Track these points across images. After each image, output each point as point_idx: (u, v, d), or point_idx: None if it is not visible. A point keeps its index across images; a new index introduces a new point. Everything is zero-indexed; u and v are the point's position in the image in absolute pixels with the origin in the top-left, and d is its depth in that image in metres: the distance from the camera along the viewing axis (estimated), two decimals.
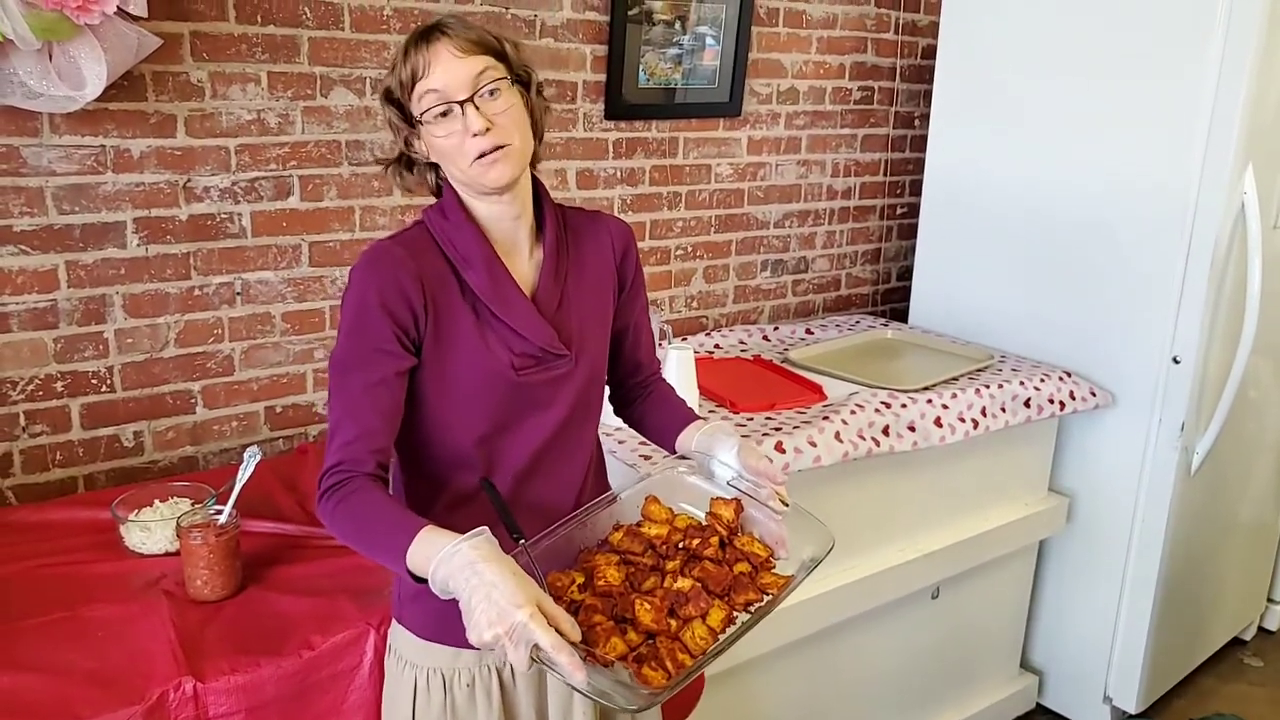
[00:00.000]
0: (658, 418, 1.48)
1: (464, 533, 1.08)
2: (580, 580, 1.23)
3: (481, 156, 1.17)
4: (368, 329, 1.19)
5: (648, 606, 1.17)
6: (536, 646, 1.00)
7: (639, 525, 1.33)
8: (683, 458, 1.43)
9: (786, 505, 1.33)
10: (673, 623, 1.18)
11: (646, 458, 1.88)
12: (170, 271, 2.03)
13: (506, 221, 1.28)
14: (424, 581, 1.09)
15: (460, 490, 1.33)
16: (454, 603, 1.12)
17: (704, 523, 1.35)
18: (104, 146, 1.88)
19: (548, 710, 1.42)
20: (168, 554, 1.68)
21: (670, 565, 1.27)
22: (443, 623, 1.34)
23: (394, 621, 1.42)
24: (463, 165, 1.19)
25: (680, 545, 1.31)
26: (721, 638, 1.17)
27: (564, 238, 1.33)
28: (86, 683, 1.32)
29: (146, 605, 1.53)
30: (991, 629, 2.58)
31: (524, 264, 1.31)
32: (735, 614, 1.22)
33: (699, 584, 1.23)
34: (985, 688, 2.61)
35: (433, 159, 1.24)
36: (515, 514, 1.26)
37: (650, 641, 1.15)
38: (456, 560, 1.04)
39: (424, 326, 1.22)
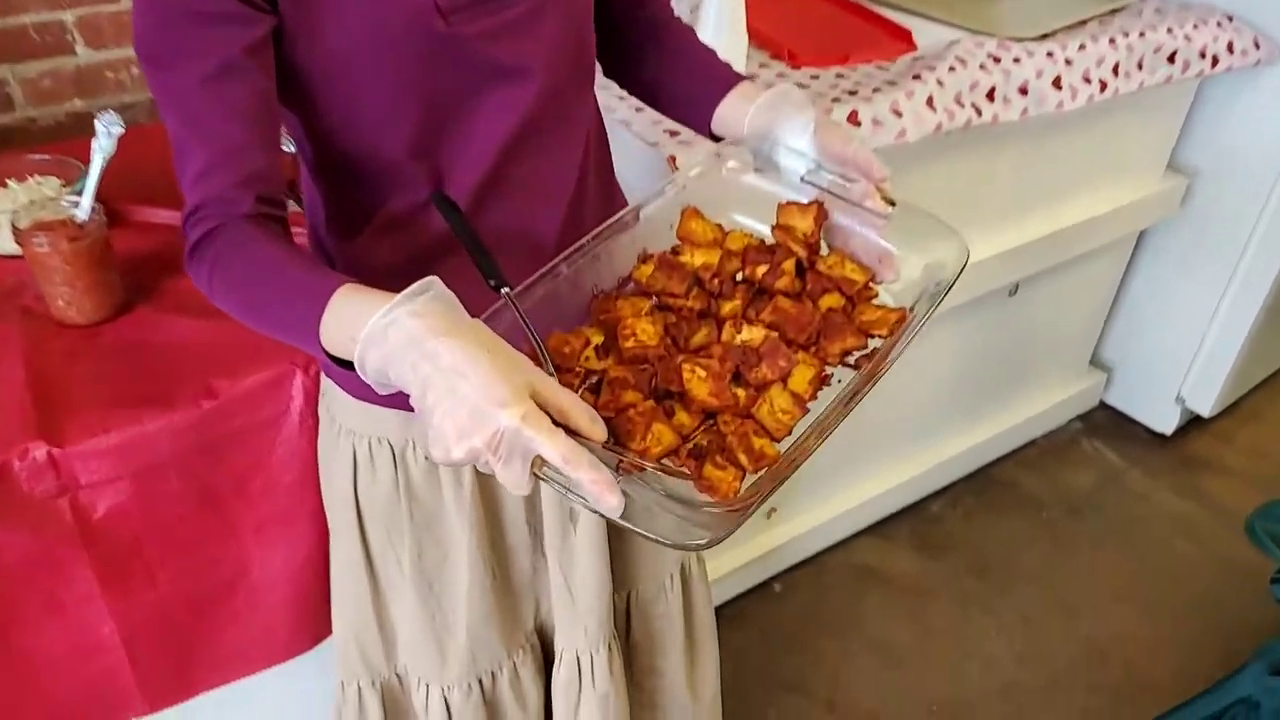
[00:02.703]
0: (681, 81, 1.07)
1: (406, 286, 0.70)
2: (598, 340, 0.87)
3: None
4: None
5: (702, 372, 0.82)
6: (539, 459, 0.67)
7: (675, 252, 0.95)
8: (725, 142, 1.03)
9: (892, 205, 0.94)
10: (740, 393, 0.83)
11: (674, 134, 1.46)
12: None
13: None
14: (353, 368, 0.73)
15: (398, 213, 0.94)
16: None
17: (770, 241, 0.97)
18: None
19: (540, 498, 1.12)
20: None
21: (727, 307, 0.91)
22: None
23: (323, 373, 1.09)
24: None
25: (740, 277, 0.94)
26: (817, 412, 0.83)
27: None
28: None
29: None
30: (1068, 326, 2.41)
31: None
32: (829, 371, 0.87)
33: (773, 332, 0.87)
34: (1049, 385, 2.48)
35: None
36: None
37: (711, 424, 0.81)
38: (395, 336, 0.68)
39: None
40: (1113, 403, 2.63)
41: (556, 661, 1.28)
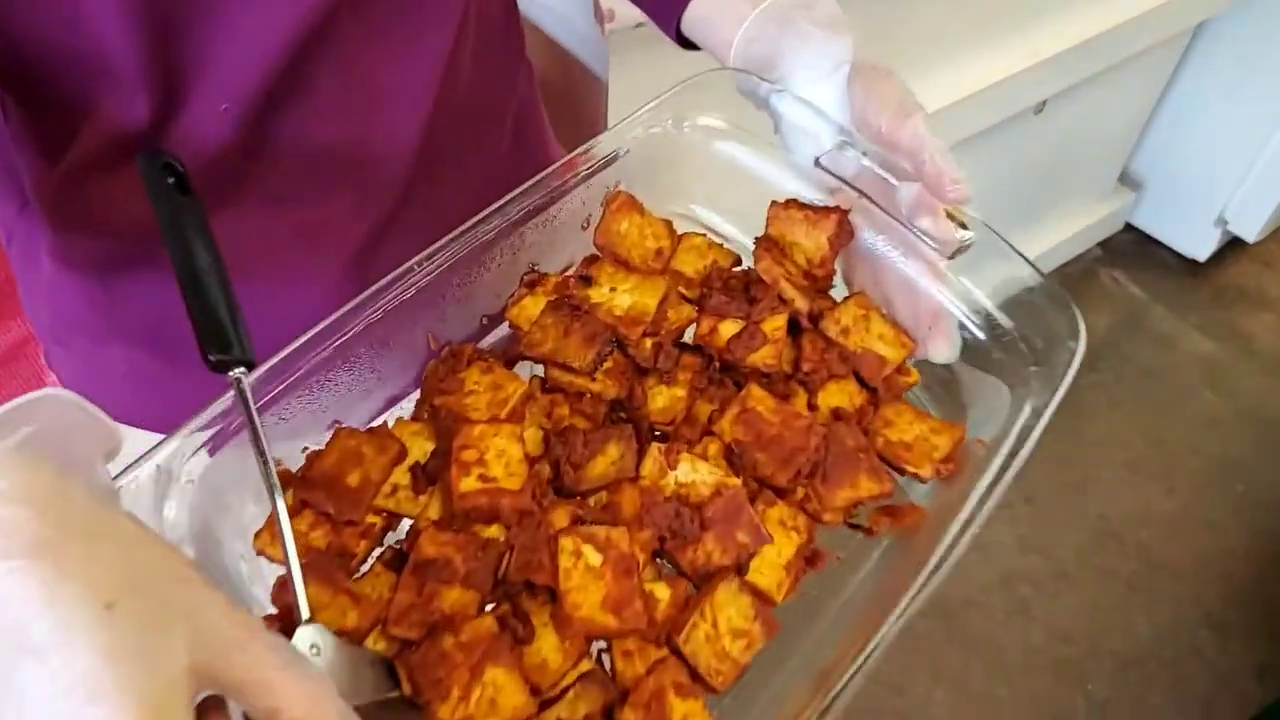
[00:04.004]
0: None
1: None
2: (420, 453, 0.51)
3: None
4: None
5: (595, 557, 0.47)
6: None
7: (585, 279, 0.56)
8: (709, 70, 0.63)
9: (964, 228, 0.55)
10: (659, 593, 0.47)
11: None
12: None
13: None
14: None
15: (112, 141, 0.54)
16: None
17: (747, 265, 0.59)
18: None
19: None
20: None
21: (661, 400, 0.54)
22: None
23: None
24: None
25: (684, 342, 0.56)
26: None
27: None
28: None
29: None
30: (1098, 142, 2.05)
31: None
32: (815, 543, 0.52)
33: (731, 479, 0.50)
34: (1070, 211, 2.15)
35: None
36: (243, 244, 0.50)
37: (594, 668, 0.46)
38: None
39: None
40: (1140, 225, 2.28)
41: None
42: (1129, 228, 2.28)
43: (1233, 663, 1.56)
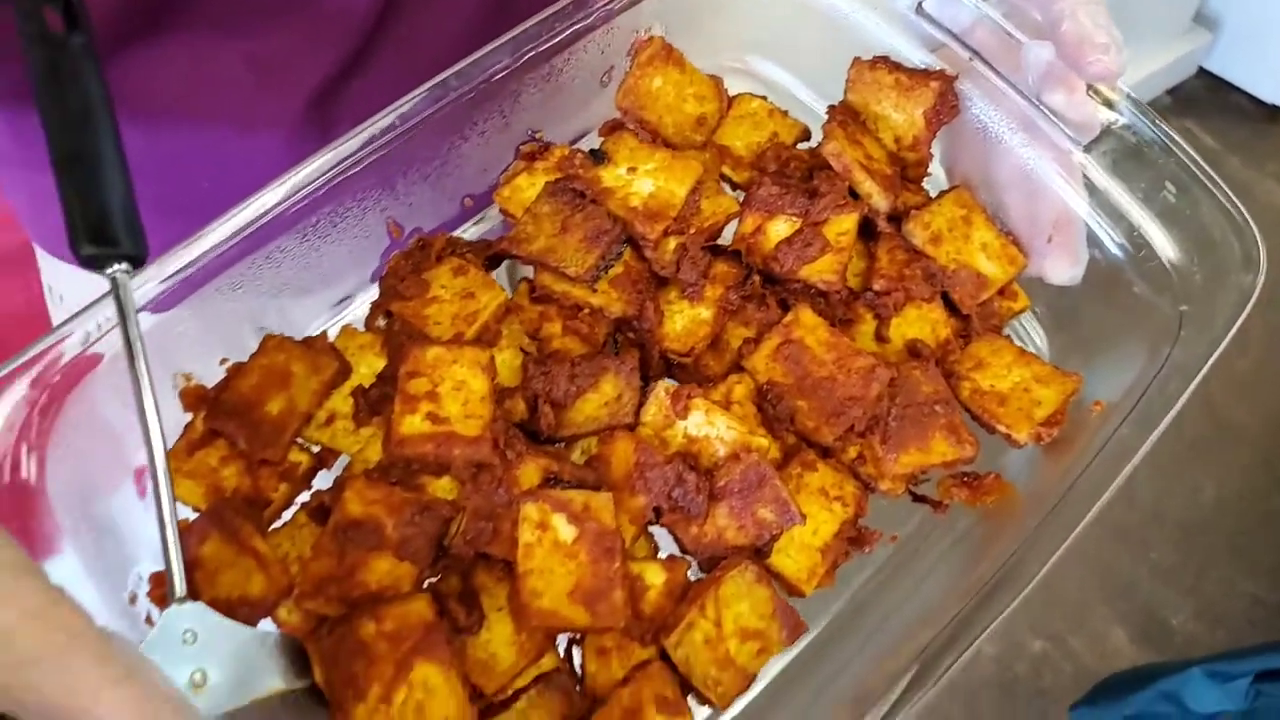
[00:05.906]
0: None
1: None
2: (367, 373, 0.41)
3: None
4: None
5: (568, 530, 0.38)
6: None
7: (600, 150, 0.43)
8: None
9: (1110, 106, 0.41)
10: (651, 580, 0.38)
11: None
12: None
13: None
14: None
15: None
16: None
17: (812, 144, 0.45)
18: None
19: None
20: None
21: (680, 320, 0.42)
22: None
23: None
24: None
25: (719, 245, 0.43)
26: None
27: None
28: None
29: None
30: None
31: None
32: (864, 522, 0.40)
33: (759, 435, 0.39)
34: (1138, 54, 1.89)
35: None
36: None
37: (558, 669, 0.37)
38: None
39: None
40: (1214, 69, 2.06)
41: None
42: (1202, 73, 2.07)
43: None
